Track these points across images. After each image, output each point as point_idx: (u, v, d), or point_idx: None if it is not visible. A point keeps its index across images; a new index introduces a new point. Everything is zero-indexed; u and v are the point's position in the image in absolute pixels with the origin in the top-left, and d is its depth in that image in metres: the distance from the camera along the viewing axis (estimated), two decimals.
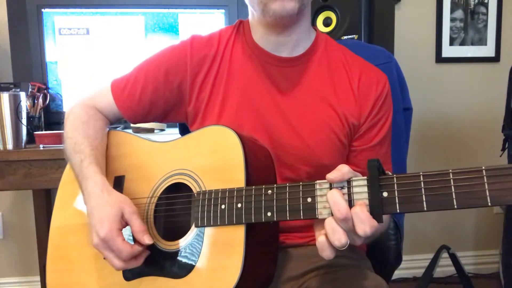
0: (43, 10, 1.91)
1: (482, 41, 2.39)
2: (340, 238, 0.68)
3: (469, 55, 2.39)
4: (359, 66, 1.02)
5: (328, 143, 0.98)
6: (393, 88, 1.06)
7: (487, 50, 2.40)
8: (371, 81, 1.00)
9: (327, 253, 0.70)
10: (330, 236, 0.69)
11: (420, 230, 2.46)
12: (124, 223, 0.86)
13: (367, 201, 0.69)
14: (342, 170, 0.71)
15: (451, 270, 2.15)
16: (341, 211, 0.67)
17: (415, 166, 2.23)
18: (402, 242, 1.22)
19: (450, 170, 0.63)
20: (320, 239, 0.70)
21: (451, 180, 0.63)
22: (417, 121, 2.32)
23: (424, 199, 0.65)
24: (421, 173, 0.65)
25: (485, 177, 0.61)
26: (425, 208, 0.64)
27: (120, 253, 0.83)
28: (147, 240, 0.84)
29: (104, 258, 0.87)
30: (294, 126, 0.98)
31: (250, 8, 1.00)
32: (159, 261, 0.87)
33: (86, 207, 0.90)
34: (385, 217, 0.76)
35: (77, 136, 0.98)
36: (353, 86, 1.00)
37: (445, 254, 2.08)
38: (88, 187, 0.90)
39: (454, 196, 0.63)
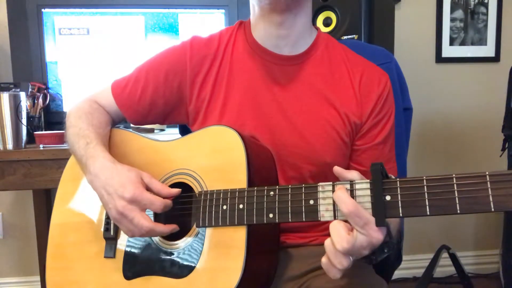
0: (43, 10, 1.91)
1: (482, 41, 2.39)
2: (341, 261, 0.69)
3: (469, 55, 2.39)
4: (360, 65, 1.02)
5: (330, 142, 0.98)
6: (393, 88, 1.06)
7: (487, 50, 2.40)
8: (373, 80, 1.00)
9: (333, 273, 0.71)
10: (333, 260, 0.69)
11: (420, 230, 2.46)
12: (145, 187, 0.86)
13: (370, 204, 0.69)
14: (352, 172, 0.73)
15: (451, 270, 2.15)
16: (348, 206, 0.68)
17: (415, 166, 2.23)
18: (402, 242, 1.21)
19: (454, 175, 0.63)
20: (323, 260, 0.71)
21: (455, 185, 0.63)
22: (417, 121, 2.32)
23: (427, 204, 0.65)
24: (424, 178, 0.65)
25: (488, 183, 0.61)
26: (428, 213, 0.64)
27: (153, 204, 0.83)
28: (174, 192, 0.86)
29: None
30: (296, 124, 0.98)
31: (251, 3, 1.00)
32: (160, 261, 0.87)
33: (95, 185, 0.88)
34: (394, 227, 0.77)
35: (81, 123, 0.98)
36: (354, 85, 1.00)
37: (445, 254, 2.08)
38: (96, 163, 0.89)
39: (457, 201, 0.63)
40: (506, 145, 1.97)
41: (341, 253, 0.68)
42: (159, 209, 0.83)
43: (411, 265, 2.41)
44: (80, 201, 1.00)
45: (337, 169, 0.75)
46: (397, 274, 2.39)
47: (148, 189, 0.86)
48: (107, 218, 0.95)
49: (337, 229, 0.69)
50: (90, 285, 0.93)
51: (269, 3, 0.93)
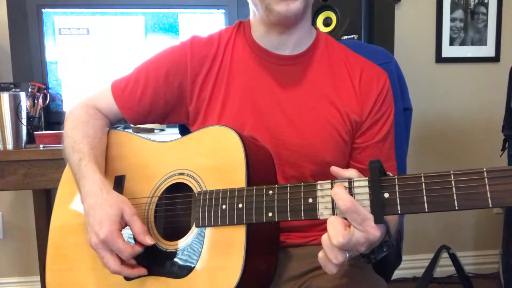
0: (43, 10, 1.91)
1: (482, 41, 2.39)
2: (336, 256, 0.69)
3: (469, 55, 2.39)
4: (359, 63, 1.03)
5: (330, 141, 0.98)
6: (393, 88, 1.07)
7: (487, 50, 2.40)
8: (372, 78, 1.01)
9: (329, 268, 0.71)
10: (329, 254, 0.69)
11: (420, 230, 2.46)
12: (124, 224, 0.86)
13: (368, 202, 0.69)
14: (349, 171, 0.73)
15: (451, 270, 2.15)
16: (345, 203, 0.68)
17: (415, 166, 2.23)
18: (402, 242, 1.22)
19: (451, 172, 0.63)
20: (320, 254, 0.71)
21: (452, 182, 0.63)
22: (417, 121, 2.32)
23: (425, 200, 0.65)
24: (422, 174, 0.66)
25: (486, 179, 0.61)
26: (426, 209, 0.65)
27: (121, 253, 0.83)
28: (149, 240, 0.85)
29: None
30: (296, 124, 0.98)
31: (251, 7, 1.00)
32: (160, 261, 0.87)
33: (83, 206, 0.89)
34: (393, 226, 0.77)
35: (76, 135, 0.98)
36: (354, 84, 1.00)
37: (445, 254, 2.08)
38: (86, 185, 0.89)
39: (455, 197, 0.63)
40: (506, 145, 1.96)
41: (337, 248, 0.68)
42: (126, 258, 0.84)
43: (411, 265, 2.41)
44: (80, 202, 1.00)
45: (334, 169, 0.75)
46: (397, 274, 2.39)
47: (127, 224, 0.86)
48: None
49: (334, 224, 0.69)
50: (90, 286, 0.93)
51: (279, 18, 0.93)
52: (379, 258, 0.74)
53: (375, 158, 0.98)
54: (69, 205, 1.02)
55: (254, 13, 1.00)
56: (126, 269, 0.84)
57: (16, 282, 2.28)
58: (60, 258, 0.99)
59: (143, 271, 0.86)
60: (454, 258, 2.07)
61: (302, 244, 1.02)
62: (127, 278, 0.89)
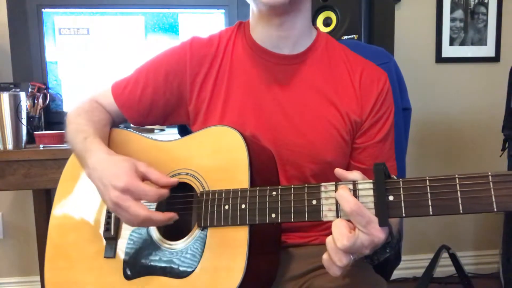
0: (43, 10, 1.90)
1: (482, 41, 2.39)
2: (341, 258, 0.69)
3: (469, 55, 2.39)
4: (359, 64, 1.03)
5: (330, 140, 0.98)
6: (392, 88, 1.07)
7: (487, 50, 2.40)
8: (372, 78, 1.01)
9: (333, 270, 0.71)
10: (333, 256, 0.69)
11: (420, 230, 2.46)
12: (140, 177, 0.84)
13: (372, 204, 0.69)
14: (354, 173, 0.73)
15: (451, 270, 2.15)
16: (351, 205, 0.68)
17: (414, 166, 2.23)
18: (401, 241, 1.21)
19: (456, 175, 0.64)
20: (324, 257, 0.71)
21: (457, 185, 0.63)
22: (417, 121, 2.32)
23: (430, 204, 0.65)
24: (427, 178, 0.66)
25: (491, 183, 0.61)
26: (431, 213, 0.65)
27: (147, 194, 0.80)
28: (172, 181, 0.84)
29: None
30: (296, 123, 0.98)
31: (250, 5, 1.00)
32: (161, 261, 0.87)
33: (91, 179, 0.87)
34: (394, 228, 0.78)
35: (81, 120, 0.98)
36: (354, 84, 1.00)
37: (445, 254, 2.08)
38: (92, 157, 0.87)
39: (460, 201, 0.63)
40: (506, 145, 1.97)
41: (342, 251, 0.68)
42: (153, 199, 0.81)
43: (411, 265, 2.41)
44: (79, 201, 1.00)
45: (338, 171, 0.75)
46: (397, 274, 2.39)
47: (146, 178, 0.84)
48: (108, 218, 0.95)
49: (338, 226, 0.69)
50: (90, 286, 0.93)
51: (267, 8, 0.93)
52: (382, 259, 0.74)
53: (375, 158, 0.98)
54: (69, 203, 1.02)
55: (253, 11, 1.00)
56: (156, 214, 0.81)
57: (16, 282, 2.28)
58: (60, 257, 0.99)
59: (173, 215, 0.83)
60: (454, 258, 2.07)
61: (303, 244, 1.02)
62: (128, 277, 0.89)
